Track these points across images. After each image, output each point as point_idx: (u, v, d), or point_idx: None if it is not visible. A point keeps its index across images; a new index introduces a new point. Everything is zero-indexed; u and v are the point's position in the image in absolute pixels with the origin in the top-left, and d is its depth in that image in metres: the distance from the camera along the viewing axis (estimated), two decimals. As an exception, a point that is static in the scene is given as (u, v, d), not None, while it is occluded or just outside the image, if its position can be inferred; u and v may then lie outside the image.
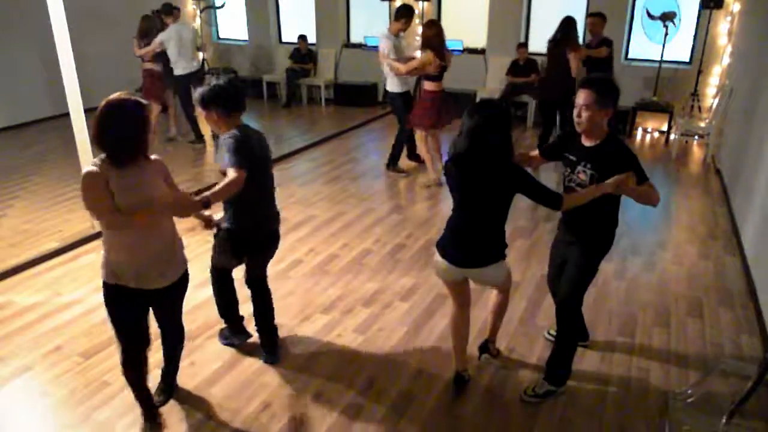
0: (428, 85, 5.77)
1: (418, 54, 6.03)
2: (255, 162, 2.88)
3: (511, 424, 2.86)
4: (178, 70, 7.03)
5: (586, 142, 2.78)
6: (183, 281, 2.69)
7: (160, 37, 6.86)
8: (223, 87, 2.86)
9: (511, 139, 2.68)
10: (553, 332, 3.39)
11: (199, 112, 2.98)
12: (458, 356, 3.08)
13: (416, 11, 6.18)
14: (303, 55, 9.83)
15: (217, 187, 2.73)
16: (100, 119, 2.31)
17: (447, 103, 5.92)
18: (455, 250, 2.81)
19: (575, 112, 2.72)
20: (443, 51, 5.63)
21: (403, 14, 5.96)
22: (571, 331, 2.98)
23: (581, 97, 2.67)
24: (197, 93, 2.91)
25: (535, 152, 3.08)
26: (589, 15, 6.93)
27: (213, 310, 3.63)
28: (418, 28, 9.15)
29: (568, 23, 6.34)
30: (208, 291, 3.90)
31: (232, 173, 2.74)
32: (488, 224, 2.76)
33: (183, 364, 3.16)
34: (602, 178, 2.68)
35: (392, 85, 6.15)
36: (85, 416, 2.89)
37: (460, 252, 2.80)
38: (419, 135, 6.04)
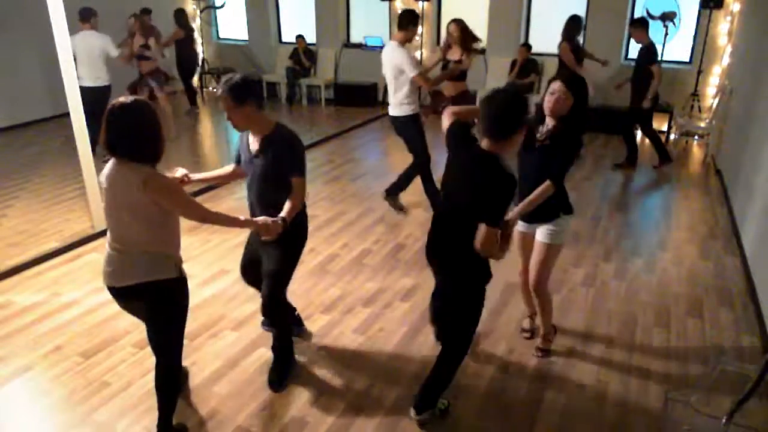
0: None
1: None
2: None
3: (510, 425, 2.86)
4: (84, 82, 6.12)
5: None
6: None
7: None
8: (250, 77, 2.76)
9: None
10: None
11: (229, 113, 2.72)
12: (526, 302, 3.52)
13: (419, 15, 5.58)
14: (303, 54, 9.83)
15: (290, 202, 2.80)
16: (113, 120, 2.34)
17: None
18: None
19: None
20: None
21: (412, 22, 5.03)
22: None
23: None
24: (226, 88, 2.67)
25: None
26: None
27: (214, 309, 3.64)
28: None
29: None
30: (210, 289, 3.91)
31: (301, 182, 2.83)
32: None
33: (185, 363, 3.07)
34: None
35: (402, 107, 5.08)
36: (85, 416, 2.89)
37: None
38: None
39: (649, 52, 6.29)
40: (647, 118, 6.64)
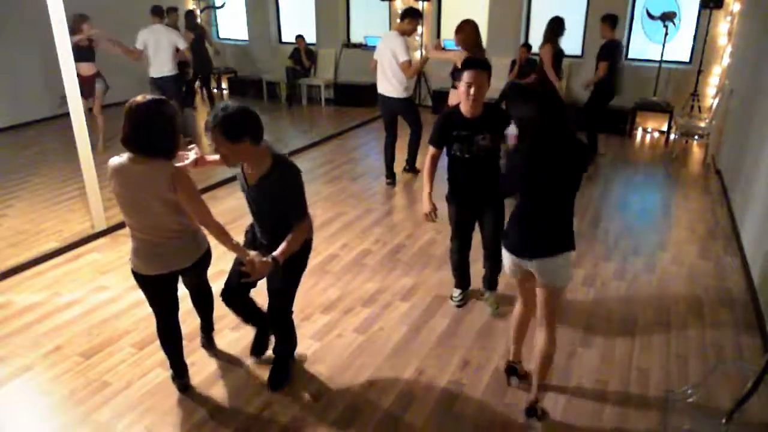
0: None
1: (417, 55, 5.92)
2: None
3: (510, 425, 2.86)
4: (152, 72, 6.99)
5: (472, 115, 3.28)
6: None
7: (139, 37, 6.82)
8: (246, 110, 2.49)
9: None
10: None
11: (219, 148, 2.52)
12: (514, 348, 3.12)
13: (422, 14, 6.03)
14: (302, 54, 9.83)
15: (288, 242, 2.65)
16: (134, 118, 2.47)
17: None
18: (518, 237, 2.66)
19: (472, 90, 3.18)
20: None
21: (408, 15, 5.72)
22: None
23: (475, 77, 3.16)
24: (217, 126, 2.46)
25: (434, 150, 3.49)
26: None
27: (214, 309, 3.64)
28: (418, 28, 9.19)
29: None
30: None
31: (304, 221, 2.72)
32: (555, 208, 2.61)
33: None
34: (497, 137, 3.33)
35: (399, 90, 5.81)
36: (85, 416, 2.89)
37: (523, 238, 2.64)
38: None
39: (605, 47, 6.47)
40: (591, 112, 6.77)
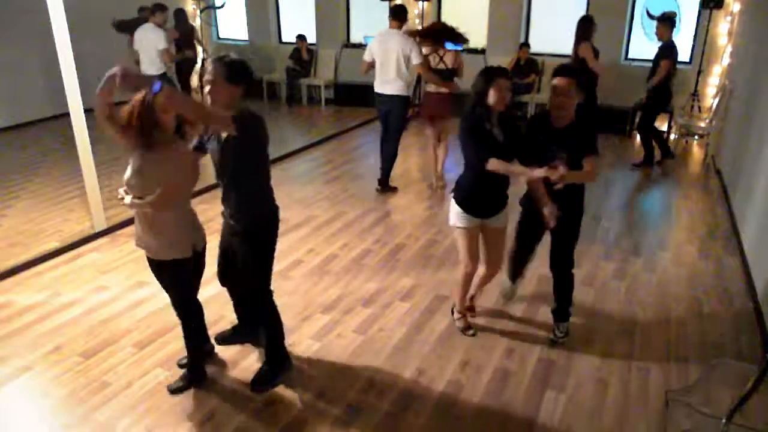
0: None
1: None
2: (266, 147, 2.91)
3: (510, 424, 2.86)
4: (145, 70, 6.92)
5: (557, 125, 3.04)
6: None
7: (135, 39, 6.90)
8: (249, 63, 2.79)
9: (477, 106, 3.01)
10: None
11: (213, 83, 2.68)
12: (463, 302, 3.58)
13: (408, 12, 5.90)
14: (302, 54, 9.83)
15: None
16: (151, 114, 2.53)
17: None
18: (485, 201, 3.24)
19: (554, 100, 2.97)
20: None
21: (403, 12, 5.65)
22: None
23: (554, 84, 2.95)
24: (222, 62, 2.67)
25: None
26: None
27: (213, 310, 3.64)
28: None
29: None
30: (210, 290, 3.90)
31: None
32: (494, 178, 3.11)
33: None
34: (576, 153, 3.01)
35: (401, 88, 5.64)
36: (85, 416, 2.89)
37: (489, 201, 3.25)
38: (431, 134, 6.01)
39: (667, 48, 6.40)
40: (649, 115, 6.71)
